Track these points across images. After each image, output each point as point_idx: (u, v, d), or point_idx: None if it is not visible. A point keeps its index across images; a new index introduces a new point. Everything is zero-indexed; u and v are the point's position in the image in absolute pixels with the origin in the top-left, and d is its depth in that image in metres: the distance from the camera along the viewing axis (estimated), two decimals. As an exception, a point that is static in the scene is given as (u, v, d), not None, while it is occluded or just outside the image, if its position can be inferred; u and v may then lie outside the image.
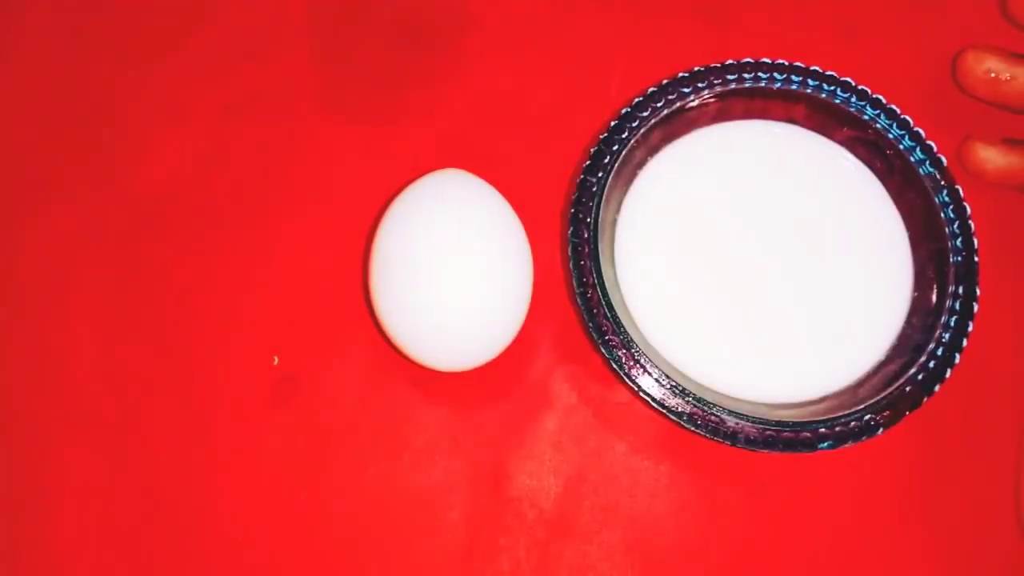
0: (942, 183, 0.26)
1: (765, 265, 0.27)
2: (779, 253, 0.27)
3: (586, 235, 0.26)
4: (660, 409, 0.24)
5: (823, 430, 0.24)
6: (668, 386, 0.24)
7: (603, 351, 0.25)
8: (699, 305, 0.27)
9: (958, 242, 0.25)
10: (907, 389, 0.24)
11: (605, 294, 0.25)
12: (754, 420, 0.24)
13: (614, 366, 0.25)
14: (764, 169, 0.28)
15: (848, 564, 0.27)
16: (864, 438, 0.24)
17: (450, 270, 0.25)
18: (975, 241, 0.25)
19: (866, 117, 0.27)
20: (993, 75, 0.29)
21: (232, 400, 0.29)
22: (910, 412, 0.24)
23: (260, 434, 0.29)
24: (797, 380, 0.26)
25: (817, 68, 0.27)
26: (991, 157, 0.29)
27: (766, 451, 0.24)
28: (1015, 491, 0.25)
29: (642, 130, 0.27)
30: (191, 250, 0.32)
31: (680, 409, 0.24)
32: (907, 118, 0.26)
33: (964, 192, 0.26)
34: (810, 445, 0.24)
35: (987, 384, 0.28)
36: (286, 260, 0.31)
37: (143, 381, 0.30)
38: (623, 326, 0.25)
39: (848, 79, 0.27)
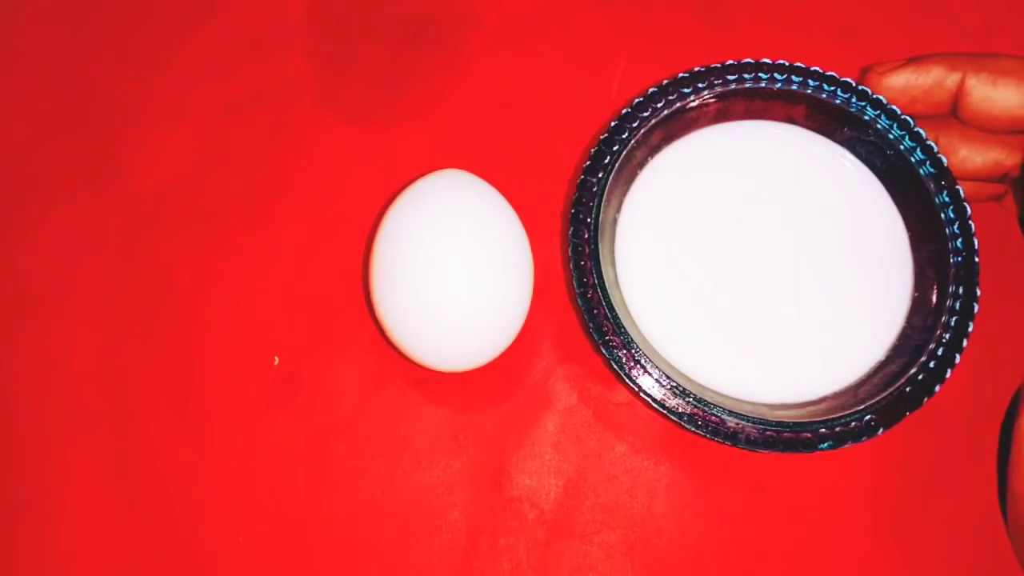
0: (942, 183, 0.26)
1: (765, 265, 0.27)
2: (779, 253, 0.27)
3: (586, 235, 0.26)
4: (660, 409, 0.24)
5: (823, 430, 0.24)
6: (668, 386, 0.24)
7: (603, 351, 0.25)
8: (699, 305, 0.27)
9: (958, 242, 0.25)
10: (907, 389, 0.24)
11: (605, 294, 0.25)
12: (754, 420, 0.24)
13: (614, 366, 0.25)
14: (764, 169, 0.28)
15: (848, 564, 0.27)
16: (864, 438, 0.24)
17: (450, 270, 0.25)
18: (975, 241, 0.25)
19: (866, 117, 0.27)
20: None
21: (232, 400, 0.29)
22: (910, 412, 0.24)
23: (260, 434, 0.29)
24: (797, 380, 0.26)
25: (817, 68, 0.27)
26: (892, 84, 0.27)
27: (766, 451, 0.24)
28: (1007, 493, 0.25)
29: (642, 130, 0.27)
30: (191, 250, 0.32)
31: (680, 410, 0.24)
32: (907, 118, 0.26)
33: (964, 192, 0.26)
34: (810, 445, 0.24)
35: (987, 384, 0.28)
36: (286, 260, 0.31)
37: (143, 381, 0.30)
38: (623, 326, 0.25)
39: (848, 79, 0.27)
